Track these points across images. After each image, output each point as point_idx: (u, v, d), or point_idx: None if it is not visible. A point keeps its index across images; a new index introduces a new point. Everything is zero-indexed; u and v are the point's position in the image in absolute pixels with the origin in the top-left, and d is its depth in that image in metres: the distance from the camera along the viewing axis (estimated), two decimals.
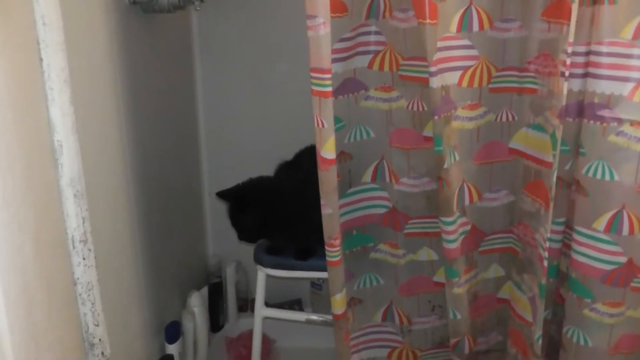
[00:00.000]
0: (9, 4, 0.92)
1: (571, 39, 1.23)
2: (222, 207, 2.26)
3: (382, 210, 1.56)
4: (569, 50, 1.23)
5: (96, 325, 1.20)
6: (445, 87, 1.34)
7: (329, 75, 1.24)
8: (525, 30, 1.36)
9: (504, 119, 1.45)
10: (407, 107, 1.45)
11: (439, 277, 1.59)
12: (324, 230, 1.39)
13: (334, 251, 1.40)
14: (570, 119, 1.36)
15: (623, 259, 1.36)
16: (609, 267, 1.37)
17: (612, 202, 1.33)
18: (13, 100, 0.94)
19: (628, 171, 1.31)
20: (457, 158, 1.41)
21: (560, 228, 1.47)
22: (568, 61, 1.24)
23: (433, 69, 1.28)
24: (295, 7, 1.49)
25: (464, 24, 1.35)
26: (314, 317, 1.85)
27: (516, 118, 1.44)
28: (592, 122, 1.32)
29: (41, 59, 1.04)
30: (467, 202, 1.49)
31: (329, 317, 1.65)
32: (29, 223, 0.97)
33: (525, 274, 1.50)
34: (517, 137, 1.45)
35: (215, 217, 2.32)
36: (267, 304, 1.91)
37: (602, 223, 1.35)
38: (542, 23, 1.32)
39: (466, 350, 1.58)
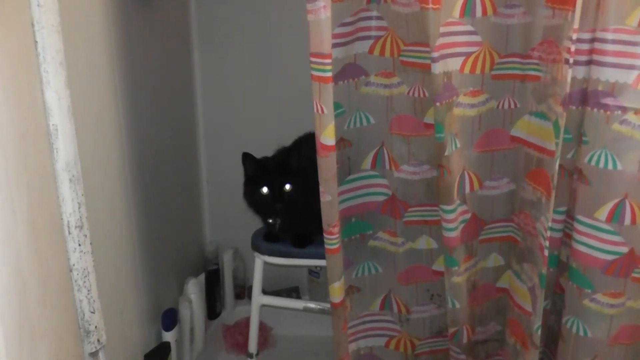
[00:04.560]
0: None
1: (576, 26, 1.21)
2: (219, 194, 2.27)
3: (382, 198, 1.55)
4: (574, 37, 1.21)
5: (92, 312, 1.19)
6: (447, 74, 1.32)
7: (329, 60, 1.22)
8: (530, 17, 1.34)
9: (506, 106, 1.43)
10: (408, 93, 1.43)
11: (438, 265, 1.58)
12: (322, 218, 1.37)
13: (332, 239, 1.39)
14: (574, 107, 1.34)
15: (624, 249, 1.35)
16: (610, 257, 1.36)
17: (614, 192, 1.32)
18: (6, 82, 0.92)
19: (631, 160, 1.29)
20: (458, 145, 1.40)
21: (561, 217, 1.45)
22: (572, 48, 1.22)
23: (435, 54, 1.26)
24: None
25: (467, 10, 1.33)
26: (312, 305, 1.84)
27: (518, 105, 1.42)
28: (595, 110, 1.30)
29: (36, 41, 1.02)
30: (467, 190, 1.48)
31: (327, 305, 1.64)
32: (22, 207, 0.95)
33: (525, 264, 1.49)
34: (519, 125, 1.44)
35: (213, 204, 2.32)
36: (265, 292, 1.90)
37: (604, 212, 1.34)
38: (546, 9, 1.30)
39: (464, 340, 1.57)
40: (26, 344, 0.97)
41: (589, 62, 1.30)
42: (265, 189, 1.65)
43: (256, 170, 1.68)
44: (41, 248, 1.03)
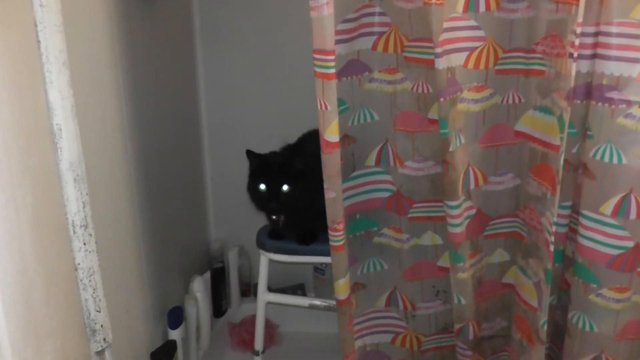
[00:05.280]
0: None
1: (580, 19, 1.20)
2: (224, 191, 2.27)
3: (386, 194, 1.55)
4: (578, 30, 1.21)
5: (98, 311, 1.20)
6: (450, 69, 1.32)
7: (332, 57, 1.22)
8: (533, 11, 1.34)
9: (510, 101, 1.42)
10: (412, 89, 1.43)
11: (443, 261, 1.58)
12: (327, 215, 1.37)
13: (337, 235, 1.39)
14: (578, 101, 1.33)
15: (630, 244, 1.34)
16: (615, 252, 1.36)
17: (619, 186, 1.32)
18: (9, 82, 0.92)
19: (636, 154, 1.29)
20: (463, 141, 1.39)
21: (567, 212, 1.45)
22: (576, 42, 1.21)
23: (439, 50, 1.25)
24: None
25: (471, 4, 1.32)
26: (317, 302, 1.84)
27: (523, 100, 1.42)
28: (600, 104, 1.29)
29: (39, 41, 1.02)
30: (472, 185, 1.47)
31: (332, 302, 1.64)
32: (26, 207, 0.96)
33: (530, 259, 1.48)
34: (523, 120, 1.43)
35: (218, 202, 2.32)
36: (270, 289, 1.90)
37: (609, 207, 1.33)
38: (550, 3, 1.29)
39: (470, 336, 1.57)
40: (31, 343, 0.97)
41: (593, 56, 1.29)
42: (262, 186, 1.65)
43: (257, 166, 1.67)
44: (46, 247, 1.03)
